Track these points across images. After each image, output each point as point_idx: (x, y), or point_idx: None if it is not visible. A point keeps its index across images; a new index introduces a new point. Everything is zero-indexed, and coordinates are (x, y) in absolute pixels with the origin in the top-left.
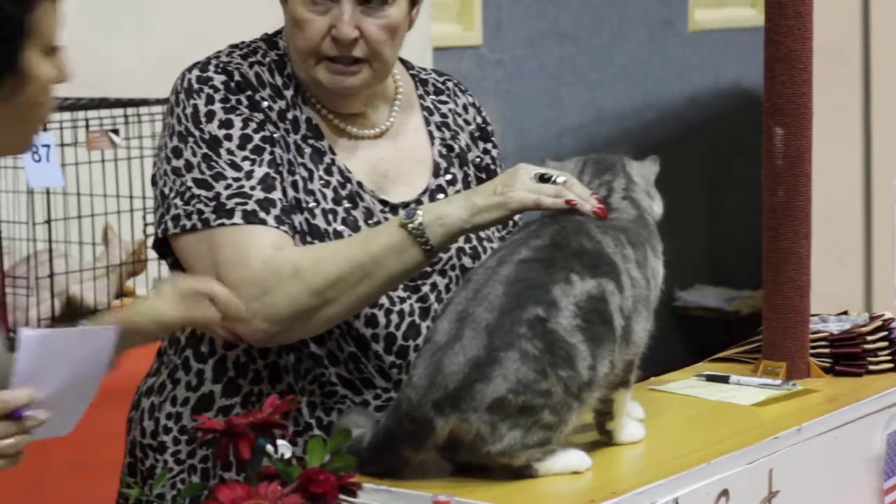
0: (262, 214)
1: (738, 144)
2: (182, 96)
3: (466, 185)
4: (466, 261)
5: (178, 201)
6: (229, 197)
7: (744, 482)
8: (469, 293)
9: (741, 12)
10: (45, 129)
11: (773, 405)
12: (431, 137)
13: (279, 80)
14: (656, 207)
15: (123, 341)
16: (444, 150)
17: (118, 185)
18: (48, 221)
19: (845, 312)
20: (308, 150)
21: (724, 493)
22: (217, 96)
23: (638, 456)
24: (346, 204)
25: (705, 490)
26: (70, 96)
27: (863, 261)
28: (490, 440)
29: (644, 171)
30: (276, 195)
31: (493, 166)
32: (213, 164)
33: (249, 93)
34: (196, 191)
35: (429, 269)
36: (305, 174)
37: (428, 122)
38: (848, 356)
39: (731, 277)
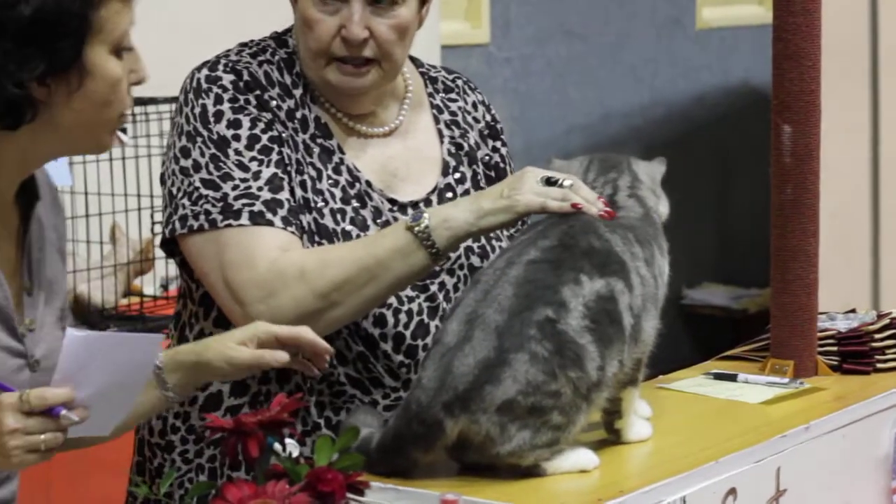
0: (268, 215)
1: (746, 142)
2: (191, 96)
3: (475, 184)
4: (475, 260)
5: (185, 201)
6: (237, 198)
7: (751, 480)
8: (478, 294)
9: (749, 10)
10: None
11: (781, 403)
12: (441, 136)
13: (288, 79)
14: (662, 208)
15: (195, 376)
16: (453, 149)
17: (126, 183)
18: None
19: (853, 310)
20: (317, 150)
21: (732, 491)
22: (226, 96)
23: (645, 454)
24: (355, 203)
25: (713, 488)
26: None
27: (871, 259)
28: (499, 441)
29: (650, 171)
30: (284, 196)
31: (502, 164)
32: (220, 164)
33: (258, 92)
34: (204, 191)
35: (437, 268)
36: (314, 174)
37: (437, 121)
38: (856, 354)
39: (739, 275)
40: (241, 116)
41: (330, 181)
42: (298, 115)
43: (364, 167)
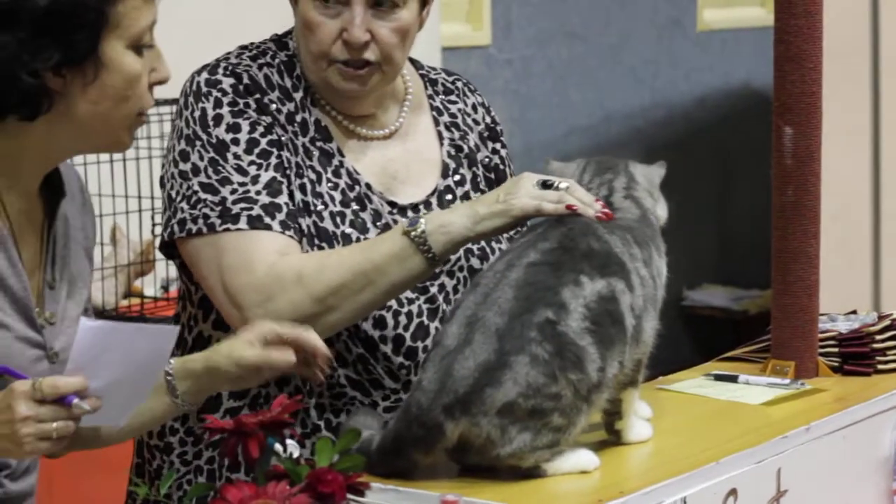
0: (266, 220)
1: (747, 144)
2: (191, 99)
3: (475, 186)
4: (475, 262)
5: (184, 205)
6: (235, 202)
7: (752, 482)
8: (478, 297)
9: (750, 12)
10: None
11: (782, 404)
12: (440, 138)
13: (288, 83)
14: (661, 211)
15: (205, 382)
16: (452, 151)
17: (126, 185)
18: None
19: (854, 312)
20: (316, 153)
21: (733, 492)
22: (225, 100)
23: (646, 455)
24: (355, 206)
25: (713, 489)
26: None
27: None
28: (500, 443)
29: (648, 174)
30: (282, 199)
31: (501, 166)
32: (219, 168)
33: (258, 96)
34: (202, 195)
35: (437, 270)
36: (314, 177)
37: (437, 123)
38: (857, 355)
39: (740, 277)
40: (240, 120)
41: (329, 184)
42: (298, 118)
43: (364, 170)
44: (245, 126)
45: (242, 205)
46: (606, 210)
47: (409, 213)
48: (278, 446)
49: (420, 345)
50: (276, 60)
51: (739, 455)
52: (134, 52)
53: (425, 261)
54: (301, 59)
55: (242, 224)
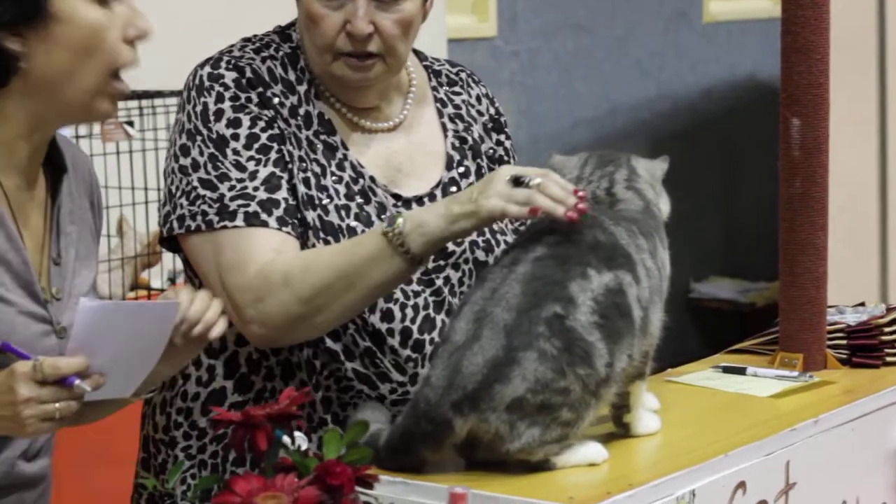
0: (263, 216)
1: (753, 136)
2: (193, 93)
3: (479, 178)
4: (480, 254)
5: (183, 201)
6: (232, 198)
7: (761, 474)
8: (486, 293)
9: (756, 3)
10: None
11: (790, 397)
12: (444, 129)
13: (292, 75)
14: (663, 206)
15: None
16: (457, 143)
17: (133, 176)
18: None
19: (862, 304)
20: (320, 146)
21: (741, 485)
22: (227, 94)
23: (654, 448)
24: (359, 199)
25: (722, 482)
26: None
27: (879, 252)
28: (509, 439)
29: (650, 167)
30: (281, 195)
31: (506, 158)
32: (218, 164)
33: (261, 89)
34: (201, 191)
35: (442, 262)
36: (318, 170)
37: (441, 114)
38: (865, 348)
39: (747, 269)
40: (241, 115)
41: (334, 177)
42: (302, 111)
43: (368, 163)
44: (246, 121)
45: (240, 201)
46: (581, 205)
47: (414, 206)
48: (286, 438)
49: (427, 337)
50: (280, 53)
51: (748, 448)
52: (95, 3)
53: (405, 261)
54: (305, 52)
55: (239, 221)
